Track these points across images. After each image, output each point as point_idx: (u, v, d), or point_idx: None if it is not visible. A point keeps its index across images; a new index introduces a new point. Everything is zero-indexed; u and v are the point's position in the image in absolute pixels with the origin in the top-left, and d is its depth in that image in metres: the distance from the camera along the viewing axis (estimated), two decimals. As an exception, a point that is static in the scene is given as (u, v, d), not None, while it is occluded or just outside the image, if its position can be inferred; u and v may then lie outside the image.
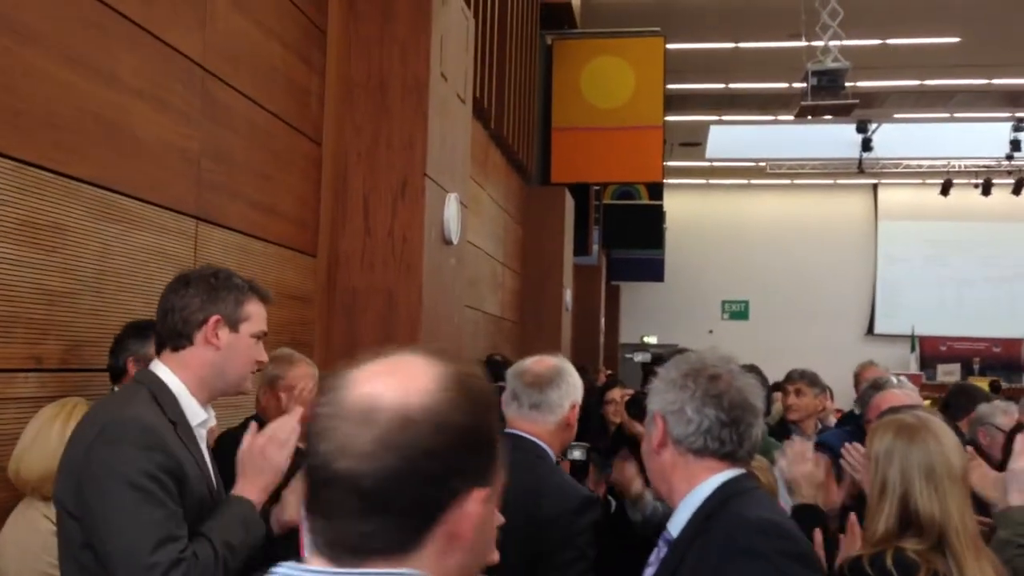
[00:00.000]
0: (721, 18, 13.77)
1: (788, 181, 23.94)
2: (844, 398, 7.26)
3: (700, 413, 1.91)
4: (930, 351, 23.64)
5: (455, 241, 5.21)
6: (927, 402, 4.28)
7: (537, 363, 2.77)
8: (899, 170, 22.30)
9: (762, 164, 22.47)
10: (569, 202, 10.59)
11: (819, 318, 23.55)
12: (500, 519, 1.09)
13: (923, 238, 24.45)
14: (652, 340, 23.00)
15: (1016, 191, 20.88)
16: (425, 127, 4.71)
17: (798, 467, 2.86)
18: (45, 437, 2.44)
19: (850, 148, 18.98)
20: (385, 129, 4.73)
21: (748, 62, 15.46)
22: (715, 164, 22.28)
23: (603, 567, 3.83)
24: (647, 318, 23.48)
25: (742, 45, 14.84)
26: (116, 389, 2.75)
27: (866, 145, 18.41)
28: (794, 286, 23.92)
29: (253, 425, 2.35)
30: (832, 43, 11.08)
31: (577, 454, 3.65)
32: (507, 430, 2.65)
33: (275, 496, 2.32)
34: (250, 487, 2.22)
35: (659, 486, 2.03)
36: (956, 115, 18.89)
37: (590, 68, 10.70)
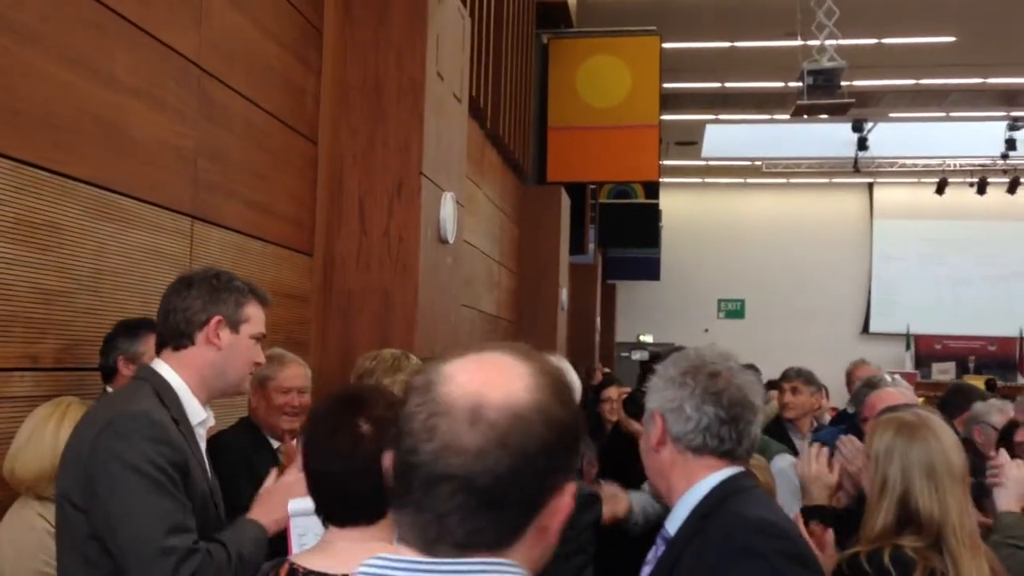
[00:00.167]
0: (717, 17, 13.77)
1: (784, 180, 23.96)
2: (839, 397, 7.27)
3: (699, 411, 1.90)
4: (925, 350, 23.67)
5: (451, 240, 5.21)
6: (921, 400, 4.29)
7: None
8: (895, 169, 22.32)
9: (758, 163, 22.49)
10: (565, 201, 10.59)
11: (815, 317, 23.57)
12: None
13: (918, 237, 24.47)
14: (648, 339, 23.03)
15: (1011, 190, 20.93)
16: (421, 127, 4.71)
17: (812, 469, 2.87)
18: (40, 437, 2.44)
19: (846, 147, 19.02)
20: (381, 131, 4.73)
21: (744, 61, 15.47)
22: (711, 163, 22.29)
23: (602, 566, 3.84)
24: (643, 317, 23.50)
25: (738, 44, 14.84)
26: (108, 389, 2.76)
27: (862, 144, 18.45)
28: (790, 285, 23.94)
29: (274, 473, 2.43)
30: (828, 42, 11.09)
31: None
32: None
33: None
34: (266, 517, 2.27)
35: (658, 484, 2.02)
36: (951, 114, 18.90)
37: (586, 67, 10.69)
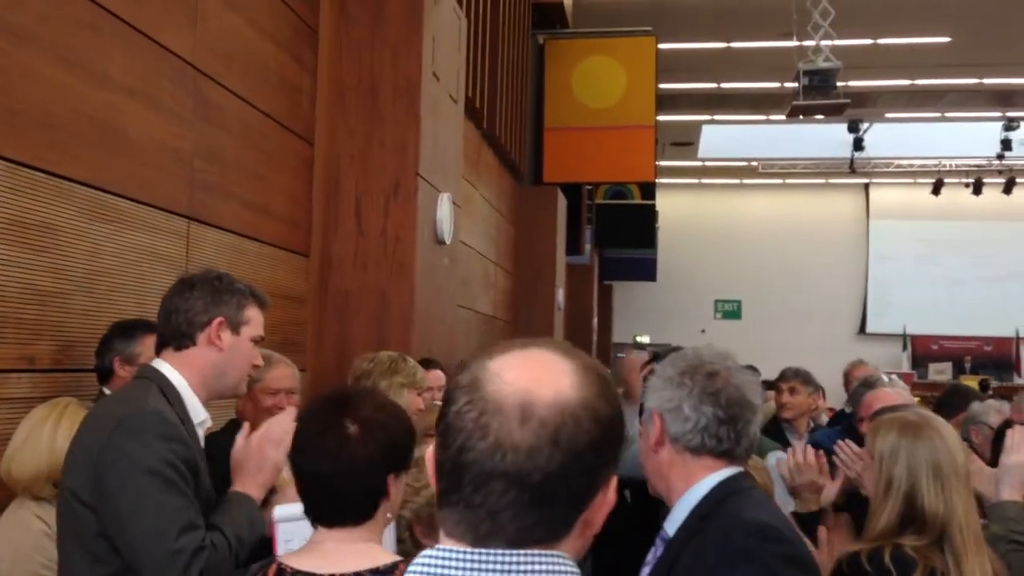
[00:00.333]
0: (713, 18, 13.78)
1: (780, 181, 23.99)
2: (836, 397, 7.28)
3: (697, 411, 1.89)
4: (922, 350, 23.70)
5: (448, 241, 5.21)
6: (917, 400, 4.29)
7: None
8: (890, 169, 22.35)
9: (754, 164, 22.51)
10: (561, 202, 10.59)
11: (811, 317, 23.60)
12: None
13: (914, 237, 24.51)
14: (645, 339, 23.03)
15: (1007, 190, 20.96)
16: (417, 127, 4.71)
17: (801, 477, 2.87)
18: (36, 438, 2.44)
19: (842, 148, 19.04)
20: (378, 131, 4.73)
21: (740, 62, 15.48)
22: (707, 164, 22.31)
23: (600, 565, 3.83)
24: (640, 318, 23.50)
25: (734, 45, 14.85)
26: (105, 390, 2.75)
27: (858, 145, 18.47)
28: (786, 285, 23.97)
29: (246, 425, 2.40)
30: (823, 43, 11.10)
31: None
32: None
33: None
34: (250, 484, 2.27)
35: (657, 484, 2.01)
36: (947, 115, 18.92)
37: (582, 68, 10.69)
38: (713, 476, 1.90)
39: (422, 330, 4.77)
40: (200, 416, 2.24)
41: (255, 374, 3.10)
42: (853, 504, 2.71)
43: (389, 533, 2.06)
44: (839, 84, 11.17)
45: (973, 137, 19.55)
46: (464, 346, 6.94)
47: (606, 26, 11.58)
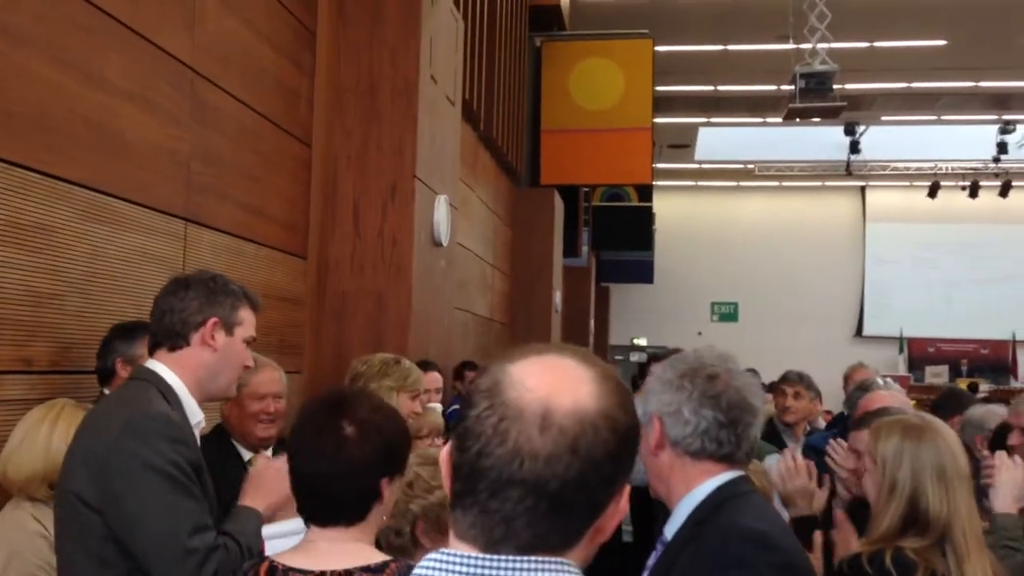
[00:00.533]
0: (709, 20, 13.80)
1: (776, 183, 24.00)
2: (833, 400, 7.28)
3: (697, 414, 1.87)
4: (918, 353, 23.71)
5: (445, 243, 5.21)
6: (913, 403, 4.29)
7: None
8: (887, 172, 22.39)
9: (751, 166, 22.52)
10: (558, 204, 10.60)
11: (808, 320, 23.60)
12: None
13: (911, 240, 24.52)
14: (642, 342, 23.04)
15: (1003, 193, 20.99)
16: (415, 129, 4.72)
17: (792, 483, 2.87)
18: (33, 438, 2.44)
19: (838, 150, 19.10)
20: (375, 133, 4.73)
21: (737, 64, 15.50)
22: (704, 166, 22.32)
23: (596, 571, 3.82)
24: (637, 320, 23.51)
25: (730, 47, 14.87)
26: (105, 391, 2.75)
27: (854, 147, 18.53)
28: (783, 288, 23.98)
29: (266, 455, 2.48)
30: (820, 46, 11.14)
31: None
32: None
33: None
34: (261, 503, 2.29)
35: (658, 487, 2.00)
36: (943, 117, 18.97)
37: (579, 70, 10.70)
38: (712, 480, 1.89)
39: (419, 332, 4.78)
40: (196, 416, 2.24)
41: (242, 378, 3.09)
42: (854, 509, 2.72)
43: None
44: (835, 87, 11.22)
45: (969, 140, 19.59)
46: (461, 348, 6.94)
47: (603, 28, 11.60)
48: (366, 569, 1.75)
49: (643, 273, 20.33)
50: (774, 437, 4.79)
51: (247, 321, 2.34)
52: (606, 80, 10.60)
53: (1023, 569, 2.53)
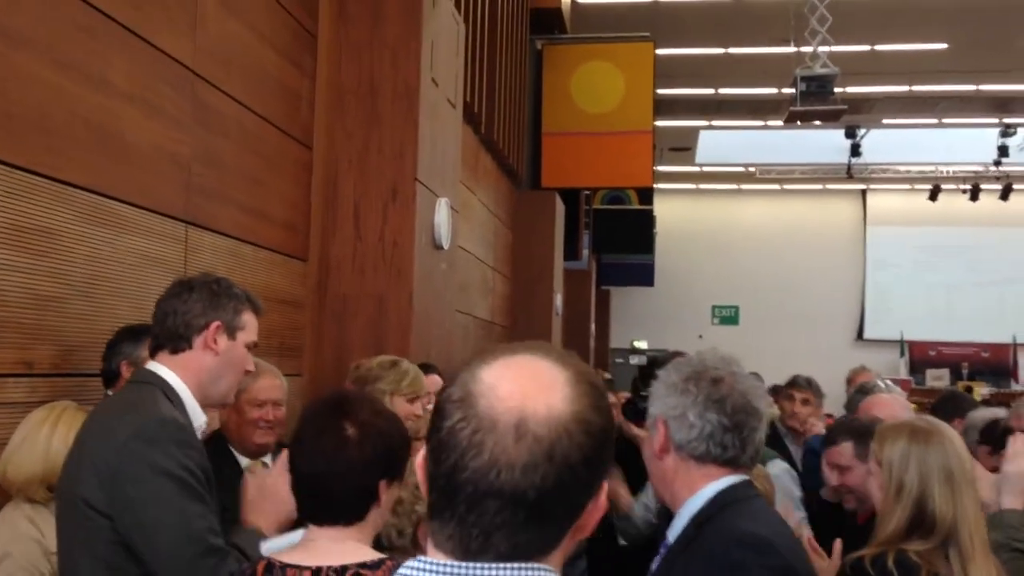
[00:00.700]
0: (711, 24, 13.80)
1: (777, 186, 23.99)
2: (834, 403, 7.27)
3: (702, 418, 1.87)
4: (920, 356, 23.67)
5: (446, 246, 5.21)
6: (913, 407, 4.30)
7: None
8: (888, 175, 22.37)
9: (752, 169, 22.51)
10: (559, 207, 10.60)
11: (809, 323, 23.58)
12: None
13: (912, 243, 24.50)
14: (642, 345, 23.03)
15: (1004, 196, 20.96)
16: (416, 132, 4.72)
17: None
18: (33, 440, 2.44)
19: (839, 153, 19.06)
20: (376, 135, 4.74)
21: (737, 67, 15.50)
22: (705, 169, 22.31)
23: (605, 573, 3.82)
24: (637, 323, 23.50)
25: (731, 50, 14.87)
26: (110, 393, 2.75)
27: (855, 150, 18.50)
28: (784, 291, 23.95)
29: (257, 464, 2.47)
30: (821, 49, 11.14)
31: None
32: None
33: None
34: (264, 522, 2.29)
35: (662, 491, 2.00)
36: (944, 121, 18.96)
37: (580, 73, 10.70)
38: (715, 484, 1.89)
39: (420, 335, 4.78)
40: (200, 419, 2.24)
41: (241, 383, 3.08)
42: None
43: None
44: (836, 90, 11.21)
45: (970, 143, 19.55)
46: (462, 351, 6.94)
47: (604, 32, 11.59)
48: (362, 565, 1.77)
49: (644, 276, 20.32)
50: (776, 441, 4.79)
51: (250, 325, 2.33)
52: (607, 83, 10.60)
53: None
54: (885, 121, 18.83)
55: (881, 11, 13.11)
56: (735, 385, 1.90)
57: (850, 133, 18.07)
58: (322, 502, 1.85)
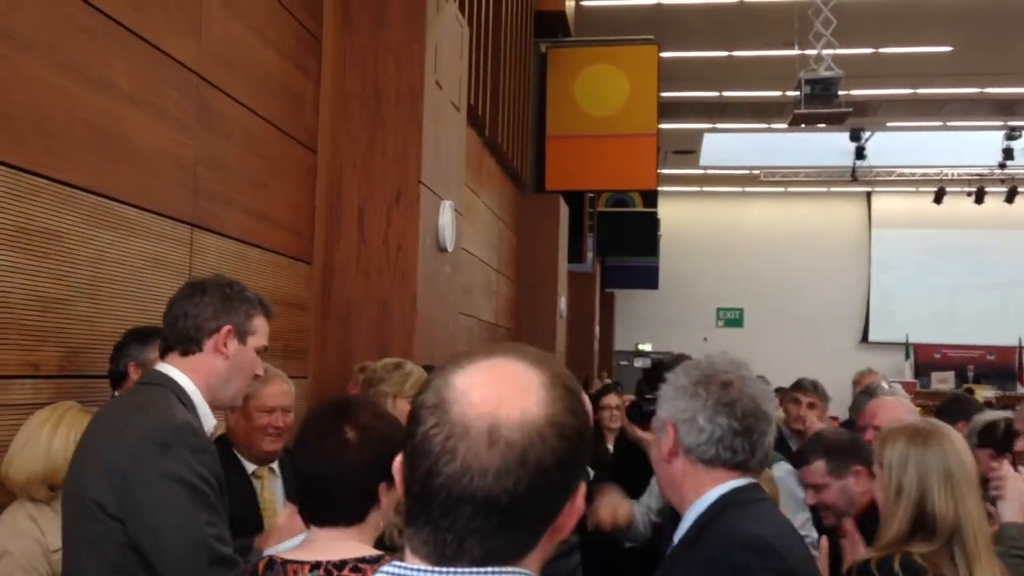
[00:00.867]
0: (715, 26, 13.80)
1: (782, 189, 23.99)
2: (839, 406, 7.27)
3: (712, 422, 1.87)
4: (925, 359, 23.65)
5: (450, 249, 5.21)
6: (918, 410, 4.29)
7: None
8: (892, 178, 22.36)
9: (756, 172, 22.52)
10: (563, 209, 10.60)
11: (813, 326, 23.56)
12: None
13: (916, 246, 24.49)
14: (647, 347, 23.02)
15: (1009, 199, 20.96)
16: (420, 135, 4.72)
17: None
18: (35, 440, 2.45)
19: (843, 156, 19.07)
20: (380, 138, 4.74)
21: (742, 70, 15.50)
22: (709, 172, 22.32)
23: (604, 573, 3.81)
24: (642, 326, 23.49)
25: (736, 53, 14.88)
26: (116, 394, 2.75)
27: (859, 153, 18.51)
28: (788, 294, 23.94)
29: (264, 470, 2.55)
30: (825, 52, 11.13)
31: None
32: None
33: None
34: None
35: (670, 495, 2.00)
36: (949, 123, 18.96)
37: (584, 76, 10.70)
38: (721, 487, 1.88)
39: (424, 338, 4.78)
40: (210, 422, 2.24)
41: (249, 389, 3.08)
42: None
43: None
44: (841, 93, 11.20)
45: (975, 146, 19.56)
46: (473, 350, 6.93)
47: (608, 35, 11.60)
48: (361, 560, 1.80)
49: (648, 279, 20.31)
50: (780, 444, 4.78)
51: (260, 330, 2.32)
52: (611, 86, 10.60)
53: None
54: (889, 124, 18.84)
55: (885, 14, 13.10)
56: (745, 389, 1.89)
57: (855, 136, 18.09)
58: (323, 503, 1.88)
